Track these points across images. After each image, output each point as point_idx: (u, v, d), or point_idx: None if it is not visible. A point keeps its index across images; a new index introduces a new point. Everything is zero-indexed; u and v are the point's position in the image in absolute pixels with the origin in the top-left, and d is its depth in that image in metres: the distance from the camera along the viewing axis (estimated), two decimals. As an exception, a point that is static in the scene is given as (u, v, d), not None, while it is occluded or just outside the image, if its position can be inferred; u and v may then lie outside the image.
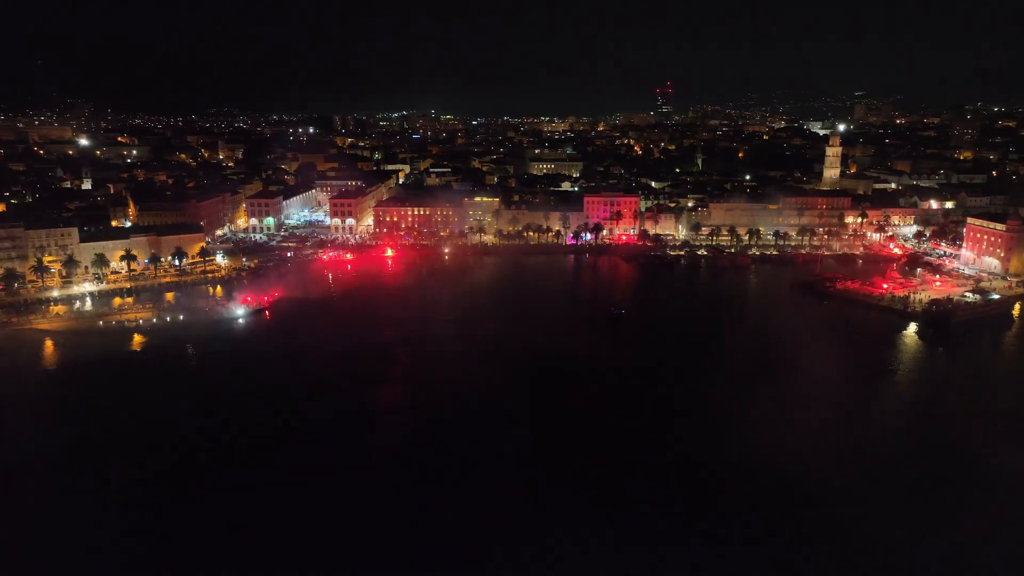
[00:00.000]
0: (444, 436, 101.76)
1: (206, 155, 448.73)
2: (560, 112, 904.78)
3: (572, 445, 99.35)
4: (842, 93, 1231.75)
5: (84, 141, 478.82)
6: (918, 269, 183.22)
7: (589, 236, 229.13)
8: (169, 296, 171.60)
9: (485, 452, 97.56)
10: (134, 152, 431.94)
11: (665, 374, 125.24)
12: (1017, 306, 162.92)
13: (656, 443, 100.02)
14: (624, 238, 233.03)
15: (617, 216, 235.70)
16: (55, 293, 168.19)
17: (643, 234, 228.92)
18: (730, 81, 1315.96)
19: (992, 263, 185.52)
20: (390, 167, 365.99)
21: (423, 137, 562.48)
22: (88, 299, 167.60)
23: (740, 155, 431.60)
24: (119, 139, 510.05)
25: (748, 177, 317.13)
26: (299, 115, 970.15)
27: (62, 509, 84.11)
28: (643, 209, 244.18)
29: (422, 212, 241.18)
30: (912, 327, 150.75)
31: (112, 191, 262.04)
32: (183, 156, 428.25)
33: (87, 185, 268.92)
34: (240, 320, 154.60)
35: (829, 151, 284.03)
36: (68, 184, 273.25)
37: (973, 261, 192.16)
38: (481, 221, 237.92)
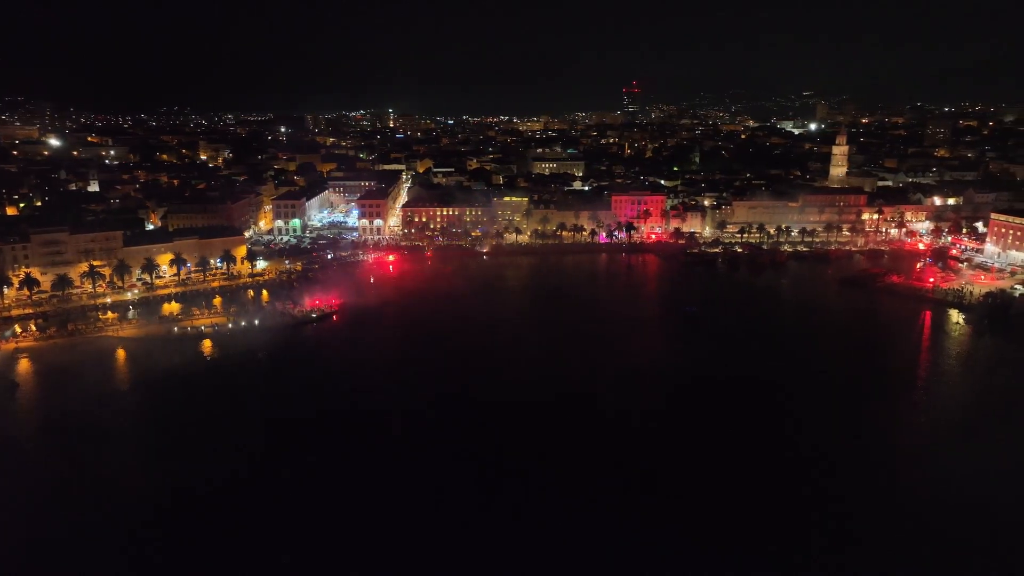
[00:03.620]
0: (574, 445, 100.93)
1: (187, 154, 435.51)
2: (519, 112, 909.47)
3: (694, 464, 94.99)
4: (791, 93, 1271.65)
5: (55, 141, 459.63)
6: (963, 263, 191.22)
7: (621, 235, 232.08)
8: (217, 301, 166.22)
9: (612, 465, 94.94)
10: (111, 152, 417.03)
11: (770, 383, 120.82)
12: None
13: (784, 468, 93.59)
14: (654, 236, 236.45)
15: (646, 214, 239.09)
16: (108, 300, 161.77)
17: (677, 232, 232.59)
18: (682, 81, 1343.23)
19: (1019, 256, 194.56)
20: (386, 167, 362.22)
21: (407, 137, 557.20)
22: (142, 305, 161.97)
23: (724, 154, 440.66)
24: (89, 139, 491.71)
25: (748, 175, 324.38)
26: (256, 115, 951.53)
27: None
28: (667, 207, 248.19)
29: (451, 212, 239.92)
30: (957, 318, 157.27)
31: (120, 192, 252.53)
32: (165, 156, 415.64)
33: (93, 187, 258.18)
34: (313, 323, 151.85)
35: (836, 150, 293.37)
36: (74, 187, 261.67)
37: (998, 255, 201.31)
38: (511, 220, 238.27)
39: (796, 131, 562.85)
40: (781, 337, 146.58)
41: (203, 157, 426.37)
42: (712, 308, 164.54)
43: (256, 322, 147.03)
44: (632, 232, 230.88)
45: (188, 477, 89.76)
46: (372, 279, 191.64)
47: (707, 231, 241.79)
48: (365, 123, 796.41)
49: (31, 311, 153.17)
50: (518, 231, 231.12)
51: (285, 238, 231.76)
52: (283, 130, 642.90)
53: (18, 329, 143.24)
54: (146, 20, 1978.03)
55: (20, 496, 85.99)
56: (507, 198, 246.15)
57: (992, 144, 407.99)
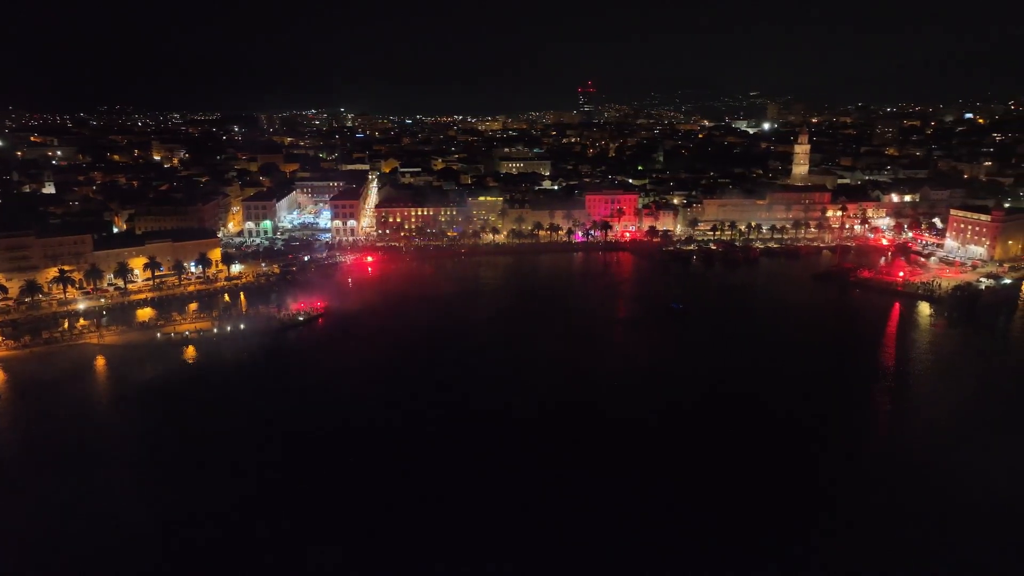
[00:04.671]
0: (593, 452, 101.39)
1: (140, 155, 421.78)
2: (473, 111, 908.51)
3: (694, 464, 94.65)
4: (738, 93, 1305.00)
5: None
6: (924, 258, 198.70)
7: (596, 233, 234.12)
8: (192, 307, 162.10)
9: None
10: (59, 153, 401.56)
11: (764, 382, 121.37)
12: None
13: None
14: (628, 235, 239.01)
15: (619, 213, 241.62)
16: (81, 306, 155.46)
17: (651, 231, 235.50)
18: (632, 81, 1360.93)
19: (977, 251, 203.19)
20: (350, 167, 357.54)
21: (367, 136, 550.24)
22: (117, 311, 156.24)
23: (683, 152, 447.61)
24: (32, 139, 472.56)
25: (712, 174, 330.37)
26: (203, 113, 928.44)
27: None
28: (640, 206, 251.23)
29: (426, 212, 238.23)
30: (930, 311, 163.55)
31: (78, 195, 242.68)
32: (117, 157, 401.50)
33: (49, 189, 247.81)
34: (300, 327, 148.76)
35: (798, 148, 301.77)
36: (27, 188, 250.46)
37: (957, 250, 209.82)
38: (486, 220, 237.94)
39: (751, 131, 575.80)
40: (767, 333, 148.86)
41: (156, 157, 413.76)
42: (696, 304, 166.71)
43: (242, 326, 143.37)
44: (607, 231, 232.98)
45: (189, 504, 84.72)
46: (352, 281, 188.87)
47: (678, 229, 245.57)
48: (317, 122, 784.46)
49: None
50: (495, 231, 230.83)
51: (257, 240, 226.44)
52: (236, 129, 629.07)
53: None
54: (81, 17, 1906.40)
55: (18, 529, 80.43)
56: (482, 198, 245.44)
57: (937, 143, 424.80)
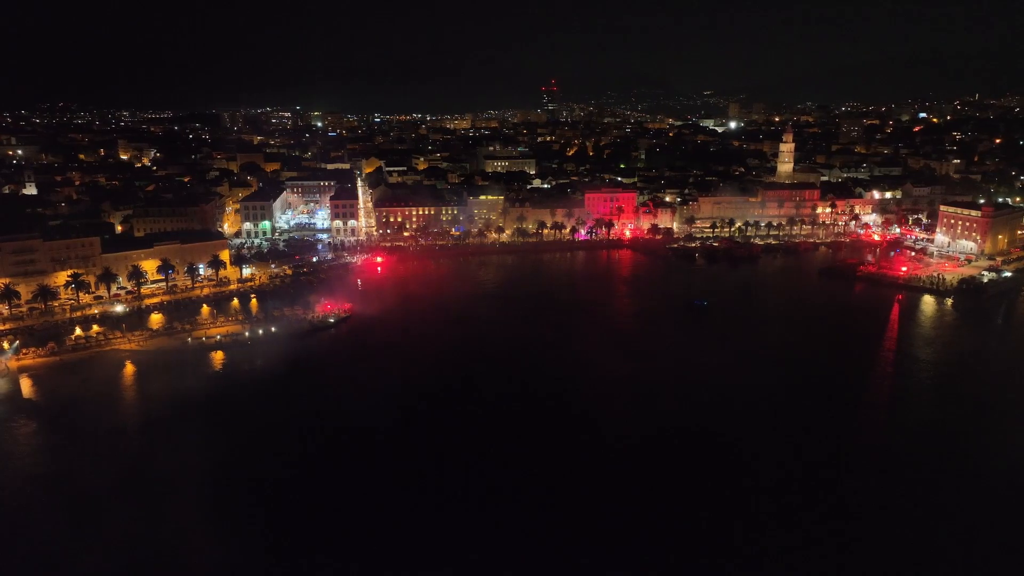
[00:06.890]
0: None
1: (108, 154, 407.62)
2: (432, 110, 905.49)
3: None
4: (692, 92, 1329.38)
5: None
6: (933, 253, 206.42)
7: (599, 232, 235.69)
8: (205, 310, 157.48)
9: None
10: (19, 152, 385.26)
11: (798, 378, 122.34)
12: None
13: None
14: (628, 232, 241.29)
15: (619, 211, 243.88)
16: (96, 312, 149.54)
17: (654, 228, 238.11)
18: (587, 81, 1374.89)
19: (968, 246, 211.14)
20: (331, 166, 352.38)
21: (339, 135, 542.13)
22: (134, 316, 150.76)
23: (658, 151, 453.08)
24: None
25: (696, 172, 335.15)
26: (152, 111, 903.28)
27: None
28: (636, 204, 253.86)
29: (428, 212, 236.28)
30: (940, 303, 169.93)
31: (62, 195, 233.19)
32: (83, 156, 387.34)
33: (30, 190, 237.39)
34: (331, 329, 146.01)
35: (783, 147, 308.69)
36: (7, 190, 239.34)
37: (948, 244, 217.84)
38: (488, 219, 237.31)
39: (719, 129, 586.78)
40: (791, 330, 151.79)
41: (124, 157, 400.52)
42: (714, 301, 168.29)
43: (273, 329, 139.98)
44: (610, 229, 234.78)
45: (262, 546, 78.47)
46: (366, 282, 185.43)
47: (676, 226, 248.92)
48: (275, 120, 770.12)
49: (11, 326, 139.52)
50: (499, 230, 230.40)
51: (257, 241, 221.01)
52: (199, 127, 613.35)
53: (5, 345, 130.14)
54: (17, 11, 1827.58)
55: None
56: (483, 197, 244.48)
57: (902, 141, 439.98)
